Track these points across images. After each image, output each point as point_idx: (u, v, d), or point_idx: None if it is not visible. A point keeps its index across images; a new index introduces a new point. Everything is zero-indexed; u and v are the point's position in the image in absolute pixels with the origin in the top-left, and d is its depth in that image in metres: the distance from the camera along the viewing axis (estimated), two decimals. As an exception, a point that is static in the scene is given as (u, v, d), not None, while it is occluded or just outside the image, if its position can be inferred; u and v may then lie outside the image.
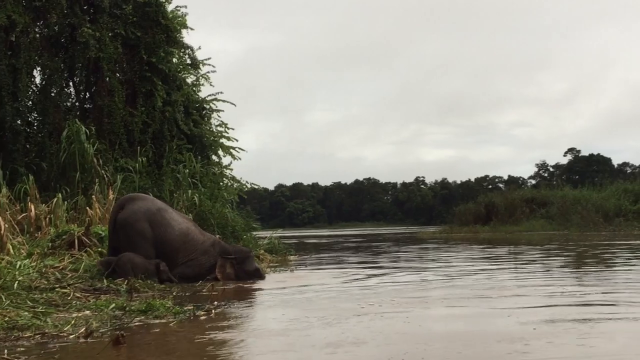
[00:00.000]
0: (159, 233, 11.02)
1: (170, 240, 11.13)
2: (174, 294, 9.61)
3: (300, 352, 5.51)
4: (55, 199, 14.17)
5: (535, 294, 8.81)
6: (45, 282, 8.99)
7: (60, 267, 10.36)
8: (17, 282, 8.34)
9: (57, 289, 8.62)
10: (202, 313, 7.44)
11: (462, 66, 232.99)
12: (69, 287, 8.82)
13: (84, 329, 6.18)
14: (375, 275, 12.47)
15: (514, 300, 8.27)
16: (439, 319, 7.14)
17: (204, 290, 9.83)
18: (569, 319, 6.55)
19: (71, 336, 6.00)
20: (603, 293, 8.80)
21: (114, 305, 7.69)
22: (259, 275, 11.65)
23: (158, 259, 10.79)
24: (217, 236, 14.81)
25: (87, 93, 19.21)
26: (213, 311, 7.57)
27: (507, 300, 8.31)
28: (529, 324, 6.30)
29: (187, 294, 9.72)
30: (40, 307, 7.33)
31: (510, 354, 5.04)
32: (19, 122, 16.88)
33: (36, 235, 13.25)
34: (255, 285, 10.91)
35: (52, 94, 18.05)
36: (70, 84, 19.13)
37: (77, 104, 19.27)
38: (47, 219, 13.80)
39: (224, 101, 21.83)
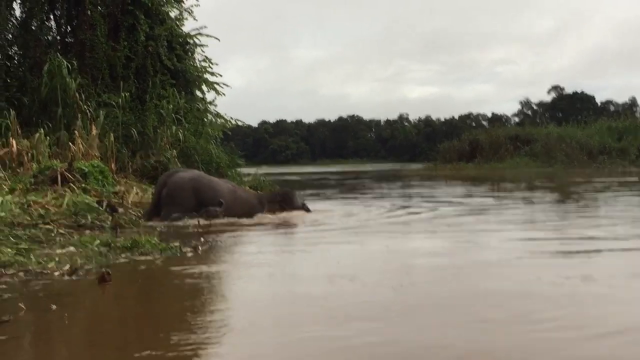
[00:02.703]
0: (208, 197, 11.19)
1: (221, 199, 11.36)
2: (159, 229, 9.52)
3: (280, 279, 5.77)
4: (38, 135, 13.93)
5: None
6: (28, 219, 8.82)
7: (44, 203, 10.17)
8: (-1, 218, 8.21)
9: (40, 226, 8.48)
10: (189, 250, 7.34)
11: (446, 3, 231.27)
12: (52, 224, 8.68)
13: (68, 266, 6.07)
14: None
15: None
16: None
17: (189, 227, 9.71)
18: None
19: (55, 273, 5.89)
20: (583, 228, 8.79)
21: (98, 241, 7.57)
22: (306, 210, 12.37)
23: None
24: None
25: (69, 27, 18.76)
26: (200, 247, 7.48)
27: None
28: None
29: (172, 230, 9.62)
30: (24, 244, 7.20)
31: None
32: (-1, 55, 16.54)
33: (18, 170, 13.05)
34: (234, 222, 10.88)
35: (33, 28, 17.63)
36: (51, 17, 18.65)
37: (58, 37, 18.82)
38: (29, 154, 13.58)
39: (208, 36, 21.37)
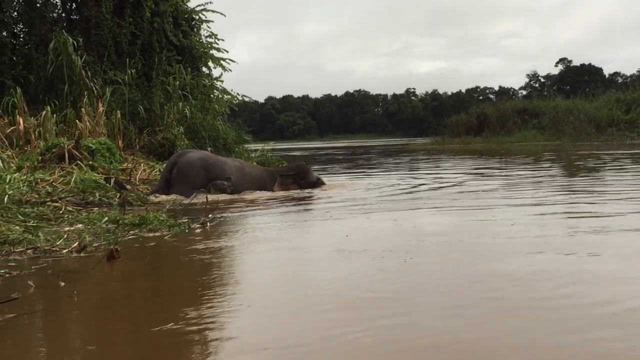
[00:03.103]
0: (217, 175, 11.36)
1: (230, 176, 11.49)
2: (168, 207, 9.51)
3: (289, 254, 5.78)
4: (44, 112, 13.91)
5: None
6: (36, 196, 8.82)
7: (51, 181, 10.18)
8: (7, 195, 8.19)
9: (48, 203, 8.47)
10: (197, 226, 7.33)
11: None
12: (60, 201, 8.67)
13: (77, 243, 6.05)
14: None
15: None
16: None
17: (198, 204, 9.69)
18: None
19: (64, 250, 5.87)
20: (590, 203, 8.73)
21: (107, 218, 7.57)
22: (321, 184, 12.41)
23: None
24: (209, 148, 14.89)
25: (74, 4, 18.69)
26: (208, 223, 7.46)
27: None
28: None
29: (181, 207, 9.61)
30: (32, 221, 7.19)
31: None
32: (4, 33, 16.49)
33: (25, 148, 13.06)
34: (243, 198, 10.87)
35: (38, 5, 17.58)
36: (56, -6, 18.63)
37: (63, 15, 18.77)
38: (36, 132, 13.59)
39: (213, 11, 21.31)
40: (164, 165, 12.50)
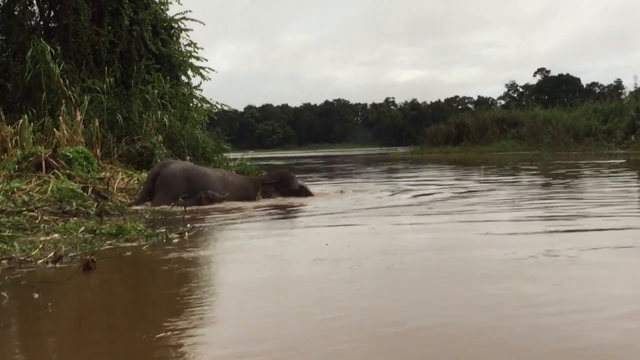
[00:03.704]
0: (200, 185, 11.30)
1: (212, 187, 11.44)
2: (146, 216, 9.44)
3: (267, 264, 5.78)
4: (21, 121, 13.80)
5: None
6: (12, 205, 8.70)
7: (28, 190, 10.06)
8: (-18, 205, 8.09)
9: (24, 212, 8.35)
10: (176, 236, 7.26)
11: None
12: (36, 210, 8.56)
13: (52, 253, 5.97)
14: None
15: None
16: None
17: (177, 213, 9.62)
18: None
19: (39, 261, 5.79)
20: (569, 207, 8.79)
21: (83, 228, 7.47)
22: (305, 192, 12.24)
23: None
24: (188, 157, 14.85)
25: (52, 12, 18.59)
26: (186, 234, 7.40)
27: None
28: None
29: (160, 217, 9.54)
30: (7, 231, 7.09)
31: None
32: (-19, 41, 16.38)
33: (2, 157, 12.94)
34: (222, 207, 10.81)
35: (16, 12, 17.49)
36: (34, 1, 18.50)
37: (41, 22, 18.66)
38: (13, 140, 13.47)
39: (193, 20, 21.21)
40: (146, 175, 12.45)
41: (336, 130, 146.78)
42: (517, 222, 8.02)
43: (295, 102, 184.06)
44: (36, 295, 4.57)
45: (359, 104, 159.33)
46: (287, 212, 10.32)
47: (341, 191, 13.10)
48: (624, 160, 24.19)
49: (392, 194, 12.53)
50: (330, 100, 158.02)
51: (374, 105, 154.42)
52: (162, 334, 3.64)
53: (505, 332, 3.58)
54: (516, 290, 4.46)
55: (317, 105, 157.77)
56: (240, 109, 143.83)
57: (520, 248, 5.92)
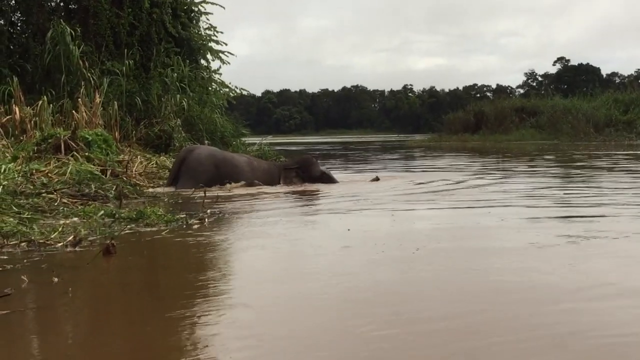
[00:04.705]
0: (227, 170, 11.45)
1: (240, 172, 11.57)
2: (165, 200, 9.39)
3: (286, 250, 5.72)
4: (41, 102, 13.78)
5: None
6: (31, 187, 8.66)
7: (46, 172, 10.01)
8: (1, 186, 8.03)
9: (43, 194, 8.31)
10: (196, 221, 7.18)
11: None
12: (55, 193, 8.51)
13: (72, 236, 5.90)
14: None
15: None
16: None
17: (196, 198, 9.56)
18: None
19: (59, 244, 5.73)
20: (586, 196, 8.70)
21: (103, 212, 7.41)
22: (328, 178, 12.17)
23: None
24: (207, 141, 14.83)
25: (72, -8, 18.56)
26: (206, 219, 7.32)
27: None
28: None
29: (180, 201, 9.49)
30: (26, 213, 7.04)
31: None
32: (1, 21, 16.38)
33: (21, 138, 12.91)
34: (242, 193, 10.74)
35: (36, -7, 17.44)
36: (54, -18, 18.47)
37: (61, 4, 18.62)
38: (32, 122, 13.44)
39: (212, 3, 21.15)
40: (164, 159, 12.46)
41: (353, 116, 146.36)
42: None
43: (313, 88, 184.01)
44: (56, 279, 4.51)
45: (377, 90, 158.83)
46: (308, 198, 10.25)
47: (377, 178, 12.87)
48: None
49: (415, 184, 12.35)
50: (348, 86, 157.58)
51: (392, 92, 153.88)
52: (180, 320, 3.60)
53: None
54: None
55: (335, 91, 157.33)
56: (258, 93, 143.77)
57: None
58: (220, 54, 21.47)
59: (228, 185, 11.21)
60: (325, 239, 6.35)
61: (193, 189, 10.12)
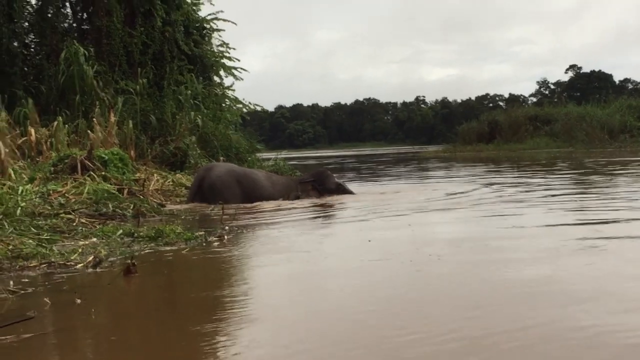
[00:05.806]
0: (249, 185, 11.51)
1: (261, 187, 11.62)
2: (183, 217, 9.37)
3: (308, 267, 5.59)
4: (56, 123, 13.83)
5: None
6: (49, 208, 8.67)
7: (64, 192, 10.04)
8: (19, 208, 8.03)
9: (61, 215, 8.31)
10: (215, 239, 7.14)
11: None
12: (73, 213, 8.51)
13: (92, 257, 5.88)
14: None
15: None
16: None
17: (212, 214, 9.54)
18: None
19: (79, 265, 5.70)
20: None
21: (121, 231, 7.39)
22: (343, 190, 12.29)
23: None
24: (222, 158, 14.85)
25: (85, 13, 18.69)
26: (225, 236, 7.29)
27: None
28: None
29: (196, 218, 9.47)
30: (45, 234, 7.02)
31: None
32: (15, 44, 16.45)
33: (37, 159, 12.95)
34: (259, 208, 10.72)
35: (49, 15, 17.58)
36: (67, 4, 18.59)
37: (74, 25, 18.76)
38: (48, 142, 13.49)
39: (224, 20, 21.30)
40: (180, 176, 12.51)
41: (366, 129, 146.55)
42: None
43: (325, 102, 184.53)
44: (78, 301, 4.48)
45: (390, 102, 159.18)
46: (326, 210, 10.22)
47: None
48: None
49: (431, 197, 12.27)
50: (361, 99, 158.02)
51: (404, 103, 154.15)
52: (202, 340, 3.58)
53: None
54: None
55: (348, 104, 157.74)
56: (271, 108, 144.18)
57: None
58: (233, 70, 21.57)
59: (258, 204, 11.22)
60: (346, 250, 6.34)
61: (212, 207, 10.11)
